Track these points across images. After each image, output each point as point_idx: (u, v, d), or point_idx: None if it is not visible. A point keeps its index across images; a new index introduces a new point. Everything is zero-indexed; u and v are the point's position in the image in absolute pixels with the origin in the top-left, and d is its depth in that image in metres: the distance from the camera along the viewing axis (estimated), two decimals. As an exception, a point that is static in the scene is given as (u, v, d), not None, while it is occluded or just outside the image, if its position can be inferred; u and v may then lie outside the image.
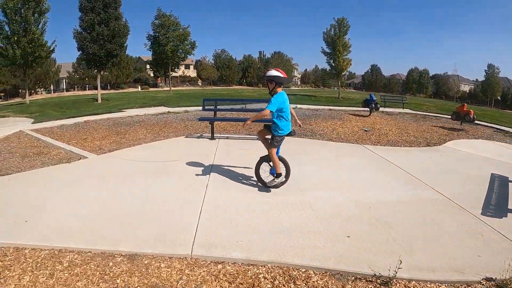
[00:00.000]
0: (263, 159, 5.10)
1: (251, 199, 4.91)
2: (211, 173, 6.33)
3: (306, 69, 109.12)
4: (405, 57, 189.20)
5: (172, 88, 33.23)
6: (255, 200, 4.87)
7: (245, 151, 8.41)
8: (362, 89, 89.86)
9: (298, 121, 5.18)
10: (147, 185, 5.67)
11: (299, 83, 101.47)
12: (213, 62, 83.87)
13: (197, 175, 6.23)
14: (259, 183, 5.35)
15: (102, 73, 23.51)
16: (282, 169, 4.93)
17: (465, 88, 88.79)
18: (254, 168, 5.23)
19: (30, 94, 51.65)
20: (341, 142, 10.12)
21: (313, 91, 54.28)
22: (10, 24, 21.18)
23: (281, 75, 4.59)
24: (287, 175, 5.12)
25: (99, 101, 21.59)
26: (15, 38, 21.43)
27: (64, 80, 58.13)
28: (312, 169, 6.80)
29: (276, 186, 4.98)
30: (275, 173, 4.89)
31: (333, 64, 30.09)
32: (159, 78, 65.20)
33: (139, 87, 58.64)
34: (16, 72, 50.81)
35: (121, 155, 8.10)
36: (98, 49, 20.07)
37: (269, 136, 4.89)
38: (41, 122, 13.26)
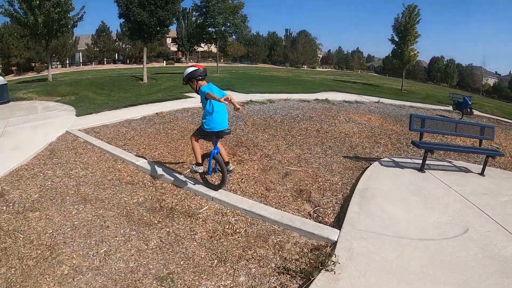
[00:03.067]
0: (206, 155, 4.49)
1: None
2: None
3: (329, 50, 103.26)
4: (425, 44, 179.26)
5: (196, 64, 28.50)
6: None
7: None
8: (385, 73, 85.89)
9: (237, 106, 4.02)
10: None
11: (319, 63, 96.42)
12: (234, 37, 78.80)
13: None
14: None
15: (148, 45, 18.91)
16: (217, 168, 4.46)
17: (490, 81, 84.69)
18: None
19: (44, 69, 47.77)
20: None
21: (361, 78, 49.61)
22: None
23: (196, 68, 4.29)
24: (222, 182, 4.40)
25: (145, 80, 17.28)
26: (37, 2, 17.08)
27: (80, 53, 53.76)
28: None
29: (196, 172, 4.42)
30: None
31: (399, 54, 28.44)
32: (180, 53, 60.47)
33: (164, 62, 54.23)
34: (30, 44, 46.87)
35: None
36: (148, 17, 15.56)
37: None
38: (90, 113, 9.23)
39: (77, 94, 13.26)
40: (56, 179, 4.82)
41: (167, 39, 57.85)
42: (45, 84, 18.24)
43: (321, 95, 14.56)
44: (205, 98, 4.03)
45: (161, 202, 4.28)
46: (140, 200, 4.33)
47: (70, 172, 5.10)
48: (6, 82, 12.70)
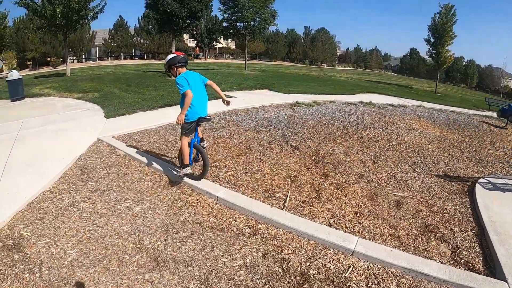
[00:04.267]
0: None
1: None
2: None
3: (348, 48, 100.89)
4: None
5: (216, 61, 25.76)
6: None
7: None
8: (403, 73, 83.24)
9: (225, 98, 4.27)
10: None
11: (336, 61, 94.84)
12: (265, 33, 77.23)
13: None
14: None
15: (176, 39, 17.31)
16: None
17: (510, 83, 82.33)
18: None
19: (60, 64, 46.78)
20: None
21: (385, 77, 47.52)
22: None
23: (176, 55, 4.13)
24: (205, 170, 4.10)
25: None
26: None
27: (96, 48, 52.58)
28: None
29: (181, 178, 4.18)
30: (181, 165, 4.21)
31: (434, 56, 27.60)
32: (197, 49, 58.99)
33: None
34: (46, 38, 45.82)
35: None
36: (179, 8, 13.92)
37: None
38: (121, 115, 7.71)
39: (101, 90, 11.76)
40: (100, 221, 3.25)
41: (184, 35, 56.48)
42: (63, 79, 16.88)
43: (363, 97, 13.11)
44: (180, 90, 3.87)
45: (282, 263, 2.72)
46: (248, 261, 2.77)
47: (119, 207, 3.51)
48: (21, 77, 11.40)
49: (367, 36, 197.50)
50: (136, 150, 5.18)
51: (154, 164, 4.61)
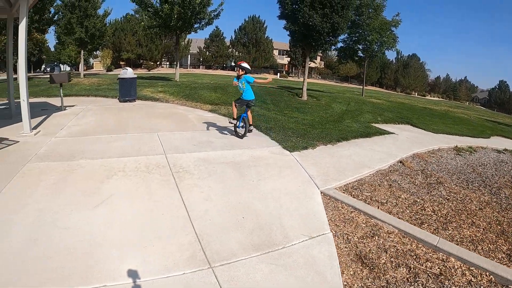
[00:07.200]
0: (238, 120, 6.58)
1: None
2: None
3: (438, 76, 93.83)
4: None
5: (308, 80, 22.80)
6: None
7: None
8: (492, 107, 75.98)
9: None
10: None
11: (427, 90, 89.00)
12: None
13: None
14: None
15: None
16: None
17: None
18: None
19: (155, 67, 48.73)
20: None
21: (484, 113, 41.91)
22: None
23: (249, 67, 6.41)
24: (245, 132, 6.34)
25: (304, 97, 13.90)
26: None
27: (189, 56, 54.15)
28: None
29: (231, 122, 6.57)
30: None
31: None
32: (287, 66, 58.12)
33: (278, 74, 52.54)
34: (143, 41, 48.07)
35: None
36: (321, 21, 12.28)
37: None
38: (305, 148, 6.04)
39: (230, 104, 10.34)
40: None
41: (274, 51, 56.17)
42: (174, 84, 16.07)
43: (502, 143, 10.39)
44: (246, 81, 6.24)
45: None
46: None
47: None
48: (135, 76, 10.54)
49: (454, 65, 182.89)
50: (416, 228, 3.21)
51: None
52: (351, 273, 2.60)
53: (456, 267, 2.77)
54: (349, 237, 3.10)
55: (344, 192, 4.03)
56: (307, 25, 12.70)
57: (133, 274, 2.46)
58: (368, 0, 21.10)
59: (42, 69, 44.38)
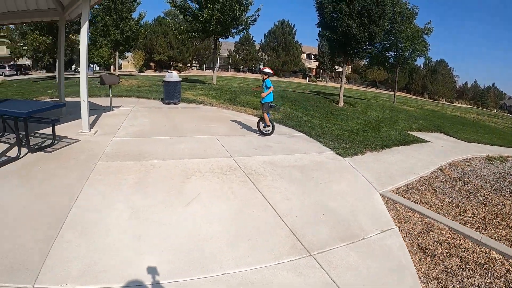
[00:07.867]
0: (259, 120, 7.56)
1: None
2: None
3: (466, 82, 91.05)
4: None
5: (334, 85, 22.59)
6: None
7: None
8: None
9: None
10: None
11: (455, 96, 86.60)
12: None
13: None
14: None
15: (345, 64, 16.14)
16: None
17: None
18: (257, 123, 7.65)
19: (185, 70, 50.09)
20: None
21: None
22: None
23: (271, 72, 7.41)
24: (273, 130, 7.36)
25: (341, 103, 14.51)
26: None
27: (218, 59, 55.43)
28: None
29: (268, 133, 7.41)
30: (265, 125, 7.42)
31: None
32: (314, 70, 58.40)
33: (307, 78, 52.92)
34: (174, 43, 49.59)
35: None
36: (359, 30, 12.81)
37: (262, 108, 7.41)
38: (355, 154, 6.68)
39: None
40: None
41: (302, 55, 56.65)
42: (213, 87, 16.93)
43: None
44: (267, 87, 7.17)
45: None
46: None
47: None
48: (180, 80, 11.17)
49: (481, 70, 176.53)
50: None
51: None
52: (417, 259, 3.24)
53: (496, 258, 3.37)
54: (410, 232, 3.73)
55: (398, 195, 4.65)
56: (345, 34, 13.27)
57: (248, 262, 2.93)
58: (401, 8, 21.31)
59: (72, 68, 45.88)
